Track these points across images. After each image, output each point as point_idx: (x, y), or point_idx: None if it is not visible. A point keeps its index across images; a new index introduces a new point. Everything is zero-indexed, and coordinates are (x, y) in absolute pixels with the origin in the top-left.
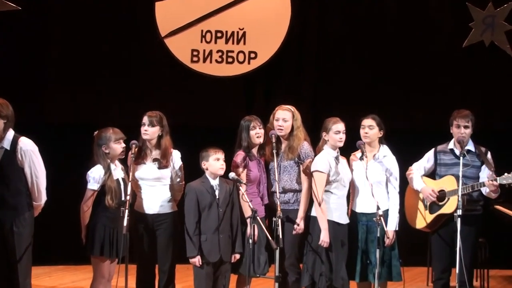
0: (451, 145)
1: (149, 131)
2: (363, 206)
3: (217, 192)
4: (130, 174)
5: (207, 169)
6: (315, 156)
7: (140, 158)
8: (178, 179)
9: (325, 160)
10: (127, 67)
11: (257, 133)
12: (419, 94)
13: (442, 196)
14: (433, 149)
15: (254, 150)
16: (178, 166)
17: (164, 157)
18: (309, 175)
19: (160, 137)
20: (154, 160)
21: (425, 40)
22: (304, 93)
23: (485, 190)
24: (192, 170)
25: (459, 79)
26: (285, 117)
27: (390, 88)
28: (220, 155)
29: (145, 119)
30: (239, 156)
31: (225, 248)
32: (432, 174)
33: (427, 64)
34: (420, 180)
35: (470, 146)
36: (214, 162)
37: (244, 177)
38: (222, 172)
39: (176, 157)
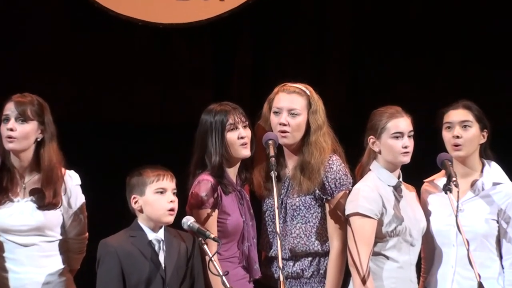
0: None
1: (18, 132)
2: (452, 283)
3: (161, 256)
4: None
5: (140, 210)
6: (354, 184)
7: (2, 190)
8: (78, 228)
9: (374, 192)
10: None
11: (240, 137)
12: None
13: None
14: None
15: (232, 173)
16: (77, 203)
17: (49, 184)
18: (344, 223)
19: (39, 145)
20: (31, 192)
21: None
22: (329, 60)
23: None
24: (108, 209)
25: None
26: (292, 106)
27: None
28: (168, 184)
29: (9, 108)
30: (204, 184)
31: None
32: None
33: None
34: None
35: None
36: (155, 198)
37: (213, 226)
38: (171, 218)
39: (72, 184)
